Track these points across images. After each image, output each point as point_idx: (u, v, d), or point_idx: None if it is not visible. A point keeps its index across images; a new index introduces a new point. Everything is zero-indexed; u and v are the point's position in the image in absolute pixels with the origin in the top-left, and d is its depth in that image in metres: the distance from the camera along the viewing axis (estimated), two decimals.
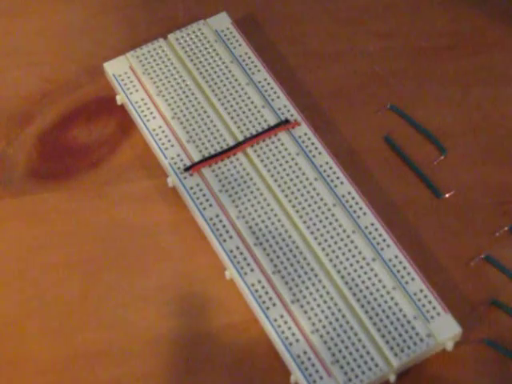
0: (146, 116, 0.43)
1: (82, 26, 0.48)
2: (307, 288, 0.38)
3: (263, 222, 0.40)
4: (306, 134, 0.42)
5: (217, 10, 0.47)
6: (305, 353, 0.36)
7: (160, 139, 0.42)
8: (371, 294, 0.38)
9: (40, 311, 0.39)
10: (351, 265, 0.38)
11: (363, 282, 0.38)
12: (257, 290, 0.38)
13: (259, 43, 0.46)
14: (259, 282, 0.38)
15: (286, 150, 0.42)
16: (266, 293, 0.38)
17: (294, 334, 0.37)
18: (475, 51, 0.46)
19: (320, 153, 0.42)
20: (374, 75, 0.46)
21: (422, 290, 0.38)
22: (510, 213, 0.41)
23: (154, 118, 0.43)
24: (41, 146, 0.44)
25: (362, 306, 0.37)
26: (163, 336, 0.38)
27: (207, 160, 0.41)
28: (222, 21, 0.46)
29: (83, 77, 0.46)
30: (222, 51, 0.45)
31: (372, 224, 0.39)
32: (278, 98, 0.43)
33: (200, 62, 0.45)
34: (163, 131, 0.43)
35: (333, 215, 0.40)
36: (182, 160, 0.42)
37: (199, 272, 0.40)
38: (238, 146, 0.42)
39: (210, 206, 0.40)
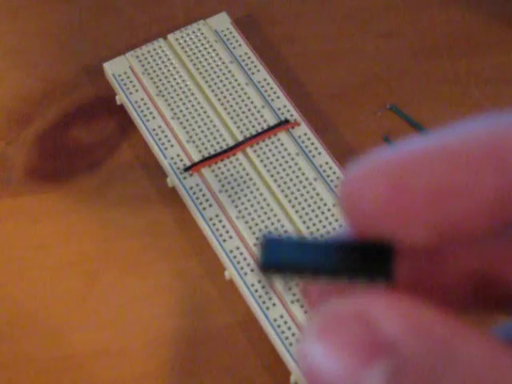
0: (145, 116, 0.43)
1: (82, 26, 0.48)
2: None
3: (263, 222, 0.40)
4: (305, 134, 0.42)
5: (217, 9, 0.47)
6: None
7: (160, 139, 0.42)
8: None
9: (40, 311, 0.39)
10: None
11: None
12: (257, 290, 0.38)
13: (259, 43, 0.46)
14: (259, 282, 0.38)
15: (285, 150, 0.42)
16: (266, 293, 0.38)
17: (294, 334, 0.37)
18: (475, 51, 0.46)
19: (320, 153, 0.42)
20: (373, 75, 0.46)
21: None
22: None
23: (153, 117, 0.43)
24: (40, 146, 0.44)
25: None
26: (163, 336, 0.38)
27: (207, 160, 0.41)
28: (222, 21, 0.46)
29: (83, 77, 0.46)
30: (222, 51, 0.45)
31: None
32: (278, 98, 0.43)
33: (200, 62, 0.45)
34: (163, 131, 0.43)
35: (332, 215, 0.40)
36: (181, 160, 0.42)
37: (199, 272, 0.40)
38: (238, 146, 0.42)
39: (210, 206, 0.40)
